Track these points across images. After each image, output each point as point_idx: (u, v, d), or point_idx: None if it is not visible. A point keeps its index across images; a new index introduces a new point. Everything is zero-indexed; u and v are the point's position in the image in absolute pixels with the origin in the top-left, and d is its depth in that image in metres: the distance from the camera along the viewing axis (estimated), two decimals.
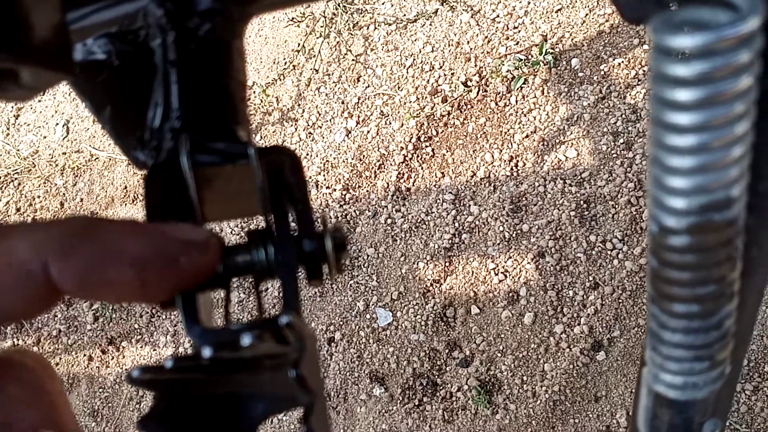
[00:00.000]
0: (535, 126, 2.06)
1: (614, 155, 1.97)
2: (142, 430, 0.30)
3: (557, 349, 1.85)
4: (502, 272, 1.94)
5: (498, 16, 2.23)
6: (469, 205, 2.02)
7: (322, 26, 2.39)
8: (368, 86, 2.27)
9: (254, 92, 2.38)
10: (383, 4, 2.37)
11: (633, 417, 0.41)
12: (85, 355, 2.24)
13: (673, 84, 0.24)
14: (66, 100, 2.62)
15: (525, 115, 2.08)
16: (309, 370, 0.32)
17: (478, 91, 2.15)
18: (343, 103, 2.28)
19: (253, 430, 0.33)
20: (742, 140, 0.25)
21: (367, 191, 2.14)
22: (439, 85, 2.20)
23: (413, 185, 2.10)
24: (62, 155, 2.56)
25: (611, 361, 1.81)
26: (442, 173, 2.09)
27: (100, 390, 2.18)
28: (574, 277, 1.89)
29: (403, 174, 2.12)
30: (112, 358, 2.22)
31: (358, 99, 2.27)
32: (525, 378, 1.84)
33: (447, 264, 1.98)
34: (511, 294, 1.92)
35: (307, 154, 2.25)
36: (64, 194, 2.50)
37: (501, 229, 1.97)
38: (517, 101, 2.11)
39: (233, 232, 2.19)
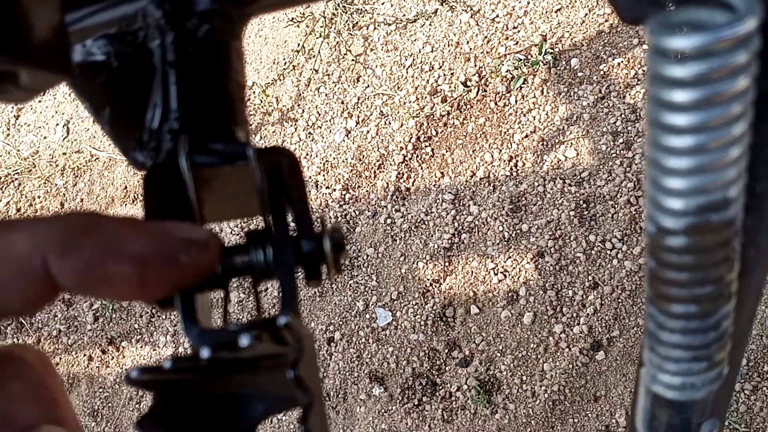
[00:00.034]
0: (534, 126, 2.06)
1: (614, 155, 1.97)
2: (141, 430, 0.30)
3: (556, 349, 1.85)
4: (501, 272, 1.94)
5: (497, 16, 2.23)
6: (469, 205, 2.02)
7: (321, 26, 2.39)
8: (368, 86, 2.27)
9: (254, 92, 2.38)
10: (383, 4, 2.37)
11: (631, 417, 0.41)
12: (85, 355, 2.24)
13: (670, 85, 0.24)
14: (66, 100, 2.62)
15: (524, 115, 2.09)
16: (307, 370, 0.32)
17: (478, 91, 2.15)
18: (342, 103, 2.28)
19: (252, 430, 0.33)
20: (740, 141, 0.25)
21: (367, 191, 2.14)
22: (438, 85, 2.20)
23: (413, 185, 2.10)
24: (62, 155, 2.56)
25: (610, 360, 1.81)
26: (442, 173, 2.09)
27: (100, 390, 2.18)
28: (573, 276, 1.89)
29: (403, 174, 2.12)
30: (112, 358, 2.22)
31: (358, 99, 2.27)
32: (524, 378, 1.84)
33: (446, 264, 1.98)
34: (510, 294, 1.92)
35: (307, 154, 2.25)
36: (64, 194, 2.50)
37: (500, 228, 1.97)
38: (516, 101, 2.11)
39: (233, 232, 2.19)
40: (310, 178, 2.21)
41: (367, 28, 2.35)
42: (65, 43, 0.36)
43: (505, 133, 2.08)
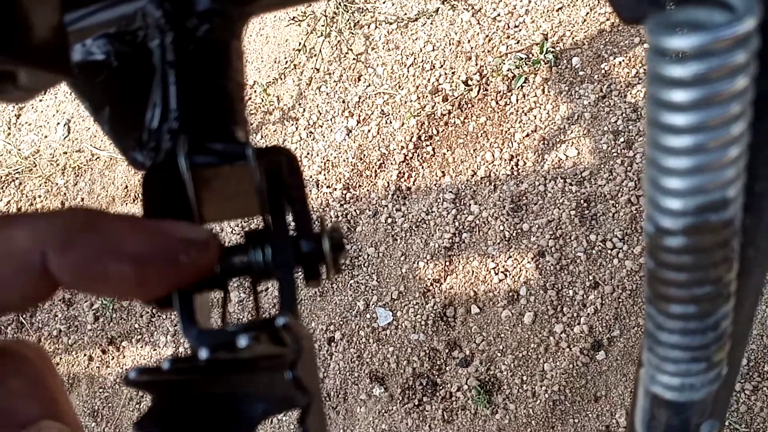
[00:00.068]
0: (535, 125, 2.06)
1: (615, 154, 1.96)
2: (140, 431, 0.30)
3: (557, 349, 1.85)
4: (502, 272, 1.94)
5: (499, 14, 2.23)
6: (470, 205, 2.02)
7: (323, 25, 2.39)
8: (369, 85, 2.27)
9: (255, 91, 2.38)
10: (384, 3, 2.37)
11: (631, 418, 0.41)
12: (85, 355, 2.24)
13: (670, 85, 0.24)
14: (67, 99, 2.62)
15: (525, 114, 2.08)
16: (306, 371, 0.31)
17: (479, 90, 2.15)
18: (343, 102, 2.28)
19: (252, 430, 0.33)
20: (739, 141, 0.25)
21: (368, 190, 2.14)
22: (439, 84, 2.20)
23: (414, 184, 2.10)
24: (63, 155, 2.56)
25: (611, 360, 1.81)
26: (443, 172, 2.09)
27: (101, 390, 2.19)
28: (574, 276, 1.89)
29: (404, 173, 2.12)
30: (113, 358, 2.22)
31: (359, 98, 2.27)
32: (525, 378, 1.84)
33: (447, 263, 1.98)
34: (511, 293, 1.92)
35: (308, 154, 2.25)
36: (65, 194, 2.50)
37: (501, 228, 1.97)
38: (517, 100, 2.11)
39: (233, 232, 2.19)
40: (311, 177, 2.21)
41: (369, 27, 2.35)
42: (64, 43, 0.36)
43: (506, 132, 2.08)
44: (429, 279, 1.98)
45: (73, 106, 2.60)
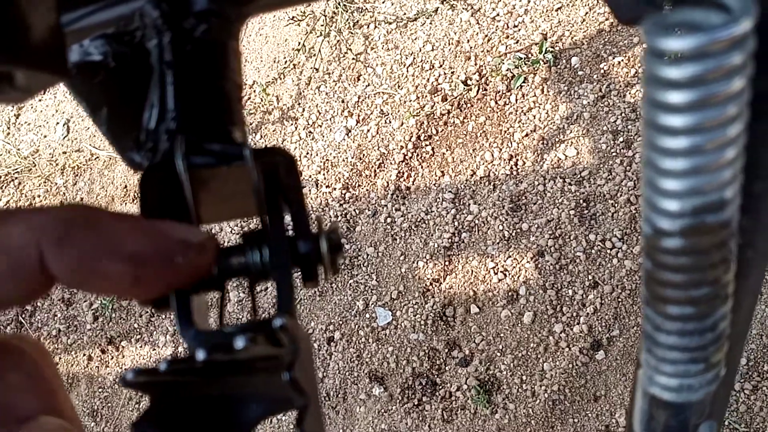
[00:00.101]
0: (534, 125, 2.06)
1: (614, 154, 1.96)
2: None
3: (556, 349, 1.85)
4: (501, 271, 1.94)
5: (498, 14, 2.23)
6: (469, 204, 2.02)
7: (322, 25, 2.39)
8: (368, 85, 2.27)
9: (254, 91, 2.38)
10: (383, 2, 2.36)
11: (629, 418, 0.41)
12: (84, 355, 2.24)
13: (666, 86, 0.24)
14: (66, 99, 2.62)
15: (525, 114, 2.08)
16: (303, 372, 0.31)
17: (478, 89, 2.15)
18: (343, 101, 2.28)
19: (249, 431, 0.33)
20: (735, 142, 0.25)
21: (367, 190, 2.14)
22: (439, 84, 2.20)
23: (413, 184, 2.10)
24: (62, 154, 2.56)
25: (610, 360, 1.81)
26: (442, 172, 2.09)
27: (100, 390, 2.19)
28: (573, 276, 1.89)
29: (403, 173, 2.12)
30: (112, 357, 2.22)
31: (358, 98, 2.27)
32: (524, 377, 1.84)
33: (446, 263, 1.98)
34: (510, 293, 1.92)
35: (307, 153, 2.25)
36: (64, 193, 2.50)
37: (500, 228, 1.97)
38: (516, 100, 2.11)
39: (233, 232, 2.19)
40: (310, 176, 2.21)
41: (368, 27, 2.35)
42: (61, 43, 0.35)
43: (505, 131, 2.08)
44: (428, 279, 1.98)
45: (72, 106, 2.60)
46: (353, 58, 2.32)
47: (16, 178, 2.58)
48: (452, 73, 2.19)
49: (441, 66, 2.21)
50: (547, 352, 1.85)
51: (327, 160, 2.21)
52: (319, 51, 2.37)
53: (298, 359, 0.31)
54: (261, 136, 2.31)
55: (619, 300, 1.84)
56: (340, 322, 2.02)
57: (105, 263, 0.28)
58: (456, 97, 2.16)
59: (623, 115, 2.00)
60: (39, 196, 2.52)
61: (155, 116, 0.40)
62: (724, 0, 0.23)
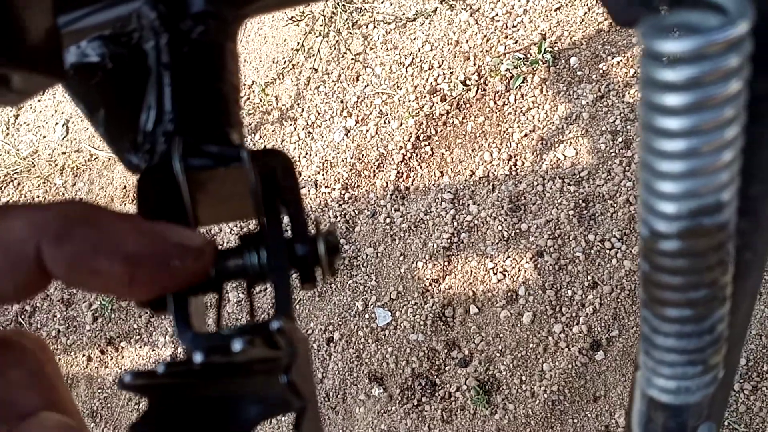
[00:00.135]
0: (533, 125, 2.06)
1: (613, 154, 1.96)
2: None
3: (556, 349, 1.85)
4: (500, 272, 1.94)
5: (497, 14, 2.23)
6: (468, 205, 2.02)
7: (321, 25, 2.39)
8: (367, 85, 2.27)
9: (253, 91, 2.38)
10: (382, 3, 2.36)
11: (628, 420, 0.41)
12: (84, 356, 2.24)
13: (663, 88, 0.24)
14: (65, 99, 2.62)
15: (524, 114, 2.08)
16: (301, 375, 0.31)
17: (477, 90, 2.15)
18: (342, 102, 2.28)
19: None
20: (732, 144, 0.25)
21: (366, 190, 2.14)
22: (438, 84, 2.20)
23: (412, 184, 2.10)
24: (62, 155, 2.56)
25: (610, 360, 1.81)
26: (441, 172, 2.09)
27: (99, 390, 2.18)
28: (572, 276, 1.89)
29: (402, 173, 2.12)
30: (111, 358, 2.22)
31: (357, 98, 2.27)
32: (524, 378, 1.84)
33: (446, 263, 1.98)
34: (509, 293, 1.92)
35: (306, 154, 2.25)
36: (63, 194, 2.50)
37: (500, 228, 1.97)
38: (515, 100, 2.11)
39: (232, 232, 2.19)
40: (309, 177, 2.20)
41: (367, 27, 2.35)
42: (57, 45, 0.35)
43: (504, 132, 2.08)
44: (428, 279, 1.98)
45: (71, 107, 2.59)
46: (352, 59, 2.32)
47: (15, 178, 2.58)
48: (451, 73, 2.19)
49: (440, 66, 2.21)
50: (547, 352, 1.85)
51: (326, 160, 2.21)
52: (318, 51, 2.37)
53: (296, 362, 0.31)
54: (260, 137, 2.31)
55: (619, 300, 1.84)
56: (340, 323, 2.02)
57: (101, 262, 0.28)
58: (455, 98, 2.16)
59: (622, 115, 2.00)
60: (38, 196, 2.52)
61: (152, 118, 0.40)
62: (721, 2, 0.23)
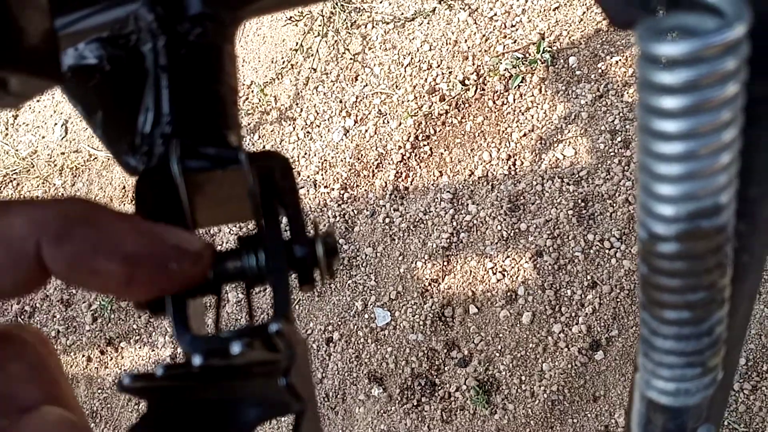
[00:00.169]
0: (532, 124, 2.06)
1: (612, 153, 1.96)
2: None
3: (555, 349, 1.85)
4: (500, 271, 1.94)
5: (495, 14, 2.23)
6: (467, 204, 2.02)
7: (320, 25, 2.39)
8: (366, 85, 2.27)
9: (252, 91, 2.38)
10: (381, 3, 2.36)
11: (627, 421, 0.41)
12: (83, 356, 2.24)
13: (660, 91, 0.24)
14: (65, 100, 2.61)
15: (523, 114, 2.08)
16: (300, 377, 0.31)
17: (476, 89, 2.15)
18: (341, 102, 2.28)
19: None
20: (730, 147, 0.25)
21: (365, 190, 2.14)
22: (436, 84, 2.20)
23: (411, 184, 2.10)
24: (61, 155, 2.56)
25: (609, 360, 1.81)
26: (440, 172, 2.09)
27: (99, 391, 2.18)
28: (572, 276, 1.89)
29: (401, 173, 2.12)
30: (111, 358, 2.22)
31: (356, 98, 2.27)
32: (523, 378, 1.84)
33: (445, 263, 1.98)
34: (509, 293, 1.92)
35: (305, 154, 2.24)
36: (62, 194, 2.49)
37: (499, 228, 1.97)
38: (514, 100, 2.11)
39: (231, 232, 2.19)
40: (308, 177, 2.20)
41: (366, 27, 2.35)
42: (55, 48, 0.35)
43: (503, 131, 2.08)
44: (427, 279, 1.98)
45: (70, 107, 2.59)
46: (351, 59, 2.32)
47: (14, 179, 2.58)
48: (450, 73, 2.19)
49: (439, 66, 2.21)
50: (546, 352, 1.85)
51: (325, 160, 2.21)
52: (317, 51, 2.36)
53: (295, 364, 0.31)
54: (259, 137, 2.31)
55: (618, 300, 1.84)
56: (339, 323, 2.02)
57: (100, 262, 0.28)
58: (454, 97, 2.16)
59: (621, 114, 2.00)
60: (37, 197, 2.51)
61: (150, 120, 0.40)
62: (718, 4, 0.23)
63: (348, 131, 2.23)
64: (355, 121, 2.23)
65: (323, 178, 2.19)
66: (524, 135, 2.06)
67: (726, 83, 0.23)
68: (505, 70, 2.14)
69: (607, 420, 1.78)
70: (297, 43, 2.39)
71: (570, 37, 2.13)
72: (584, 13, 2.14)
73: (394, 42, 2.30)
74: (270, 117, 2.33)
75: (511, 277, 1.93)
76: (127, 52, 0.42)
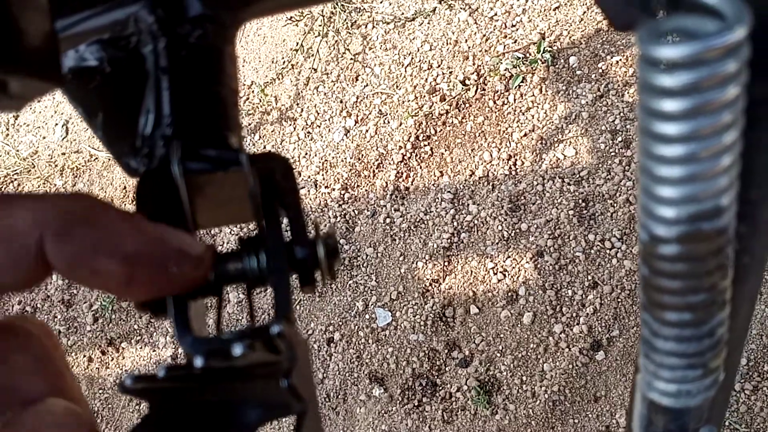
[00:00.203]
0: (533, 124, 2.06)
1: (612, 153, 1.96)
2: None
3: (556, 349, 1.85)
4: (501, 272, 1.94)
5: (496, 14, 2.23)
6: (468, 204, 2.02)
7: (320, 25, 2.39)
8: (367, 85, 2.27)
9: (253, 92, 2.38)
10: (381, 2, 2.36)
11: (628, 422, 0.41)
12: (84, 356, 2.24)
13: (660, 94, 0.24)
14: (65, 100, 2.61)
15: (523, 114, 2.08)
16: (301, 378, 0.32)
17: (477, 89, 2.15)
18: (341, 102, 2.28)
19: None
20: (731, 149, 0.25)
21: (366, 190, 2.14)
22: (437, 84, 2.20)
23: (412, 184, 2.10)
24: (61, 156, 2.56)
25: (610, 360, 1.81)
26: (441, 172, 2.09)
27: (100, 391, 2.19)
28: (573, 276, 1.89)
29: (402, 173, 2.12)
30: (112, 359, 2.22)
31: (357, 98, 2.27)
32: (524, 378, 1.84)
33: (446, 263, 1.98)
34: (510, 293, 1.92)
35: (306, 154, 2.24)
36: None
37: (500, 228, 1.97)
38: (515, 100, 2.11)
39: (232, 232, 2.19)
40: (309, 177, 2.20)
41: (366, 27, 2.35)
42: (56, 50, 0.35)
43: (503, 131, 2.08)
44: (428, 279, 1.98)
45: (71, 107, 2.59)
46: (351, 59, 2.32)
47: (15, 179, 2.58)
48: (450, 73, 2.19)
49: (439, 66, 2.21)
50: (547, 352, 1.85)
51: (326, 160, 2.21)
52: (317, 51, 2.37)
53: (296, 366, 0.31)
54: (260, 137, 2.31)
55: (619, 300, 1.84)
56: (340, 323, 2.02)
57: (100, 261, 0.28)
58: (454, 97, 2.16)
59: (622, 114, 2.00)
60: None
61: (151, 122, 0.40)
62: (719, 7, 0.23)
63: (349, 131, 2.23)
64: (356, 121, 2.23)
65: (324, 179, 2.19)
66: (525, 135, 2.06)
67: (727, 86, 0.23)
68: (505, 70, 2.14)
69: (608, 420, 1.78)
70: (297, 43, 2.39)
71: (570, 37, 2.13)
72: (584, 12, 2.14)
73: (395, 42, 2.30)
74: (270, 117, 2.33)
75: (512, 277, 1.93)
76: (128, 54, 0.42)
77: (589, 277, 1.87)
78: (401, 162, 2.13)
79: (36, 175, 2.56)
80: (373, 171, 2.15)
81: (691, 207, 0.26)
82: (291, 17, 2.42)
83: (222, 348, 0.30)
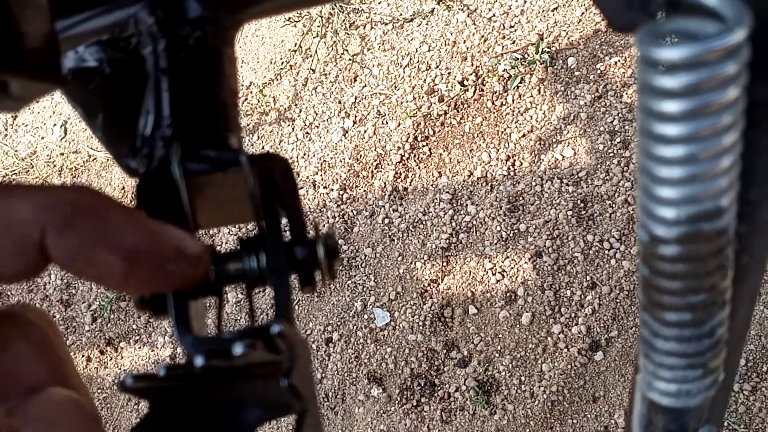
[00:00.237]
0: (531, 125, 2.06)
1: (611, 154, 1.96)
2: None
3: (555, 350, 1.85)
4: (499, 272, 1.94)
5: (494, 15, 2.23)
6: (467, 205, 2.02)
7: (318, 26, 2.39)
8: (365, 86, 2.27)
9: (251, 92, 2.38)
10: (379, 3, 2.36)
11: (628, 422, 0.41)
12: (83, 356, 2.24)
13: (660, 95, 0.24)
14: (64, 100, 2.61)
15: (521, 114, 2.08)
16: (301, 378, 0.32)
17: (475, 90, 2.15)
18: (340, 102, 2.28)
19: None
20: (731, 150, 0.25)
21: (365, 191, 2.14)
22: (435, 85, 2.20)
23: (410, 185, 2.10)
24: (60, 156, 2.55)
25: (609, 361, 1.81)
26: (439, 173, 2.09)
27: (99, 391, 2.18)
28: (571, 276, 1.89)
29: (400, 174, 2.12)
30: (111, 359, 2.22)
31: (355, 99, 2.27)
32: (523, 378, 1.84)
33: (444, 264, 1.98)
34: (508, 294, 1.92)
35: (304, 154, 2.24)
36: None
37: (498, 228, 1.97)
38: (513, 100, 2.11)
39: (231, 232, 2.19)
40: (307, 177, 2.20)
41: (364, 28, 2.35)
42: (56, 51, 0.35)
43: (502, 132, 2.08)
44: (426, 279, 1.98)
45: (69, 108, 2.59)
46: (350, 59, 2.32)
47: (13, 179, 2.58)
48: (449, 73, 2.20)
49: (437, 67, 2.21)
50: (546, 352, 1.85)
51: (324, 161, 2.21)
52: (316, 52, 2.37)
53: (296, 365, 0.31)
54: (258, 137, 2.31)
55: (618, 300, 1.84)
56: (339, 323, 2.02)
57: (100, 254, 0.28)
58: (453, 98, 2.16)
59: (620, 115, 2.00)
60: None
61: (151, 123, 0.40)
62: (719, 9, 0.23)
63: (347, 132, 2.23)
64: (354, 122, 2.23)
65: (322, 179, 2.19)
66: (523, 136, 2.06)
67: (726, 87, 0.23)
68: (503, 70, 2.14)
69: (606, 420, 1.78)
70: (296, 44, 2.39)
71: (569, 38, 2.13)
72: (583, 13, 2.15)
73: (393, 43, 2.30)
74: (269, 118, 2.33)
75: (510, 277, 1.93)
76: (128, 55, 0.42)
77: (588, 278, 1.87)
78: (400, 162, 2.13)
79: (34, 175, 2.55)
80: (372, 171, 2.15)
81: (692, 208, 0.26)
82: (289, 18, 2.42)
83: (222, 347, 0.30)
